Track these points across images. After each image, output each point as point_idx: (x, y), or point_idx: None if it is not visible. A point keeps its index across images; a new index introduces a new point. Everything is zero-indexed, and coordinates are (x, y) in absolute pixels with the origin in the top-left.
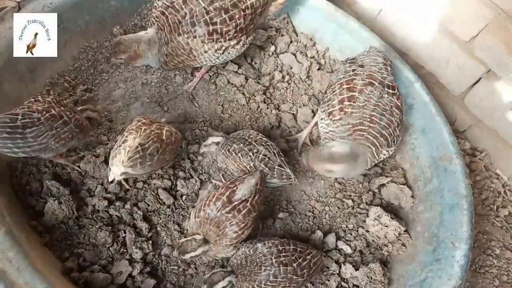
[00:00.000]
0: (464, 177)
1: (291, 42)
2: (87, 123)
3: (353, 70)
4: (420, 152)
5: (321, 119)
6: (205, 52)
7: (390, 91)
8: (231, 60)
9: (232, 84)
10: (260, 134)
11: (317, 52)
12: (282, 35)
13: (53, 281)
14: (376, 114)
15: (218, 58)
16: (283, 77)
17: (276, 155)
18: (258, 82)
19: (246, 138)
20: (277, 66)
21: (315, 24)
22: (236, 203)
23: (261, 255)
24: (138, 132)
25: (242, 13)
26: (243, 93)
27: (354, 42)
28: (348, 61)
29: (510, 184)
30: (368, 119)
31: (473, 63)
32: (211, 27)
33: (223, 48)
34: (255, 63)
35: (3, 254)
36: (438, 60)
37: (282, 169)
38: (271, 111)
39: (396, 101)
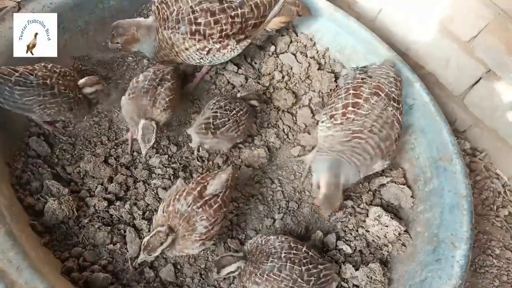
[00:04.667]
0: (464, 177)
1: (291, 42)
2: (82, 105)
3: (362, 79)
4: (420, 152)
5: (322, 121)
6: (186, 49)
7: (395, 104)
8: (230, 60)
9: (232, 84)
10: (243, 114)
11: (317, 52)
12: (282, 35)
13: (53, 281)
14: (377, 124)
15: (202, 58)
16: (283, 77)
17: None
18: (258, 82)
19: (230, 99)
20: (277, 66)
21: (315, 24)
22: (207, 198)
23: (271, 247)
24: None
25: (229, 19)
26: None
27: (354, 42)
28: (359, 68)
29: (510, 184)
30: (369, 129)
31: (473, 63)
32: (194, 27)
33: (207, 49)
34: (255, 63)
35: (3, 254)
36: (438, 60)
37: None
38: (271, 110)
39: (398, 115)
